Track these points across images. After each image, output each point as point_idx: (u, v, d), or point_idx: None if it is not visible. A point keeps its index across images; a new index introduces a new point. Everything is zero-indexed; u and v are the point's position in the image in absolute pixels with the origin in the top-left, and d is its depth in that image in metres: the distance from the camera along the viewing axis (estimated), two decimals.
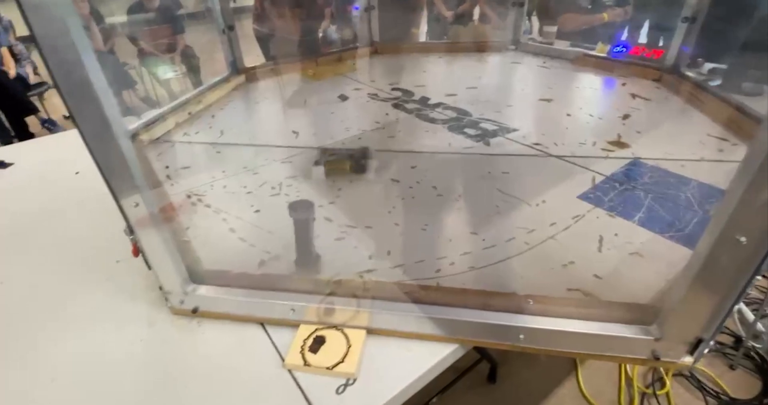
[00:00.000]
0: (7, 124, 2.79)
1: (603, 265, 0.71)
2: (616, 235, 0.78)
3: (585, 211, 0.83)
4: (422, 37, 2.09)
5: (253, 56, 1.91)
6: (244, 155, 1.14)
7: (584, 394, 1.18)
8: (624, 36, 2.00)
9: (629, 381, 1.20)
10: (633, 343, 0.57)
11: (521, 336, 0.58)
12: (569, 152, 1.03)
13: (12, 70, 2.85)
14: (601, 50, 1.62)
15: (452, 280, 0.69)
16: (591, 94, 1.38)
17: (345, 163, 1.01)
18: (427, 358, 0.60)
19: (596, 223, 0.80)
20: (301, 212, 0.71)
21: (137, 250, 0.61)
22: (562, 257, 0.72)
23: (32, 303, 0.73)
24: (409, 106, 1.35)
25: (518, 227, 0.79)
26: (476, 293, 0.64)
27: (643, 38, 1.93)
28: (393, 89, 1.49)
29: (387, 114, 1.31)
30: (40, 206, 0.99)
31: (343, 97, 1.48)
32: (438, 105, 1.34)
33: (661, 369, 1.20)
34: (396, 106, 1.36)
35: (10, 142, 2.76)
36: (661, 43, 1.61)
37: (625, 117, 1.20)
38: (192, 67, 2.59)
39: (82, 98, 0.48)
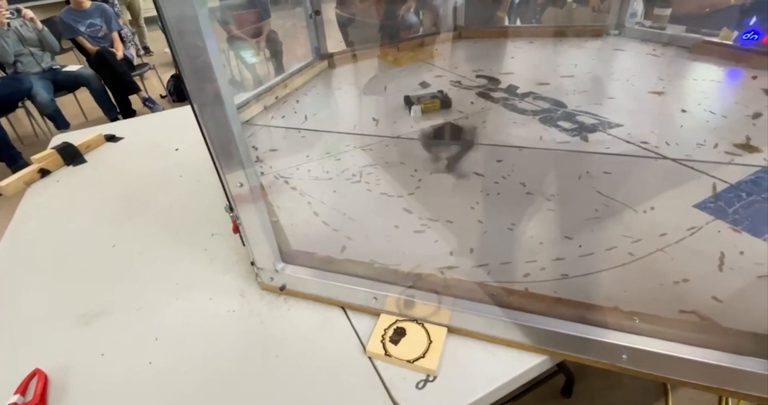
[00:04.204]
0: (114, 101, 3.13)
1: (724, 286, 0.62)
2: (741, 253, 0.67)
3: (703, 222, 0.73)
4: (508, 21, 1.97)
5: (334, 41, 1.92)
6: (326, 140, 1.16)
7: None
8: (752, 21, 1.72)
9: None
10: (761, 380, 0.50)
11: (624, 356, 0.53)
12: (684, 154, 0.91)
13: (120, 52, 3.17)
14: (725, 37, 1.40)
15: (543, 287, 0.64)
16: (712, 88, 1.20)
17: (435, 103, 1.22)
18: (513, 365, 0.57)
19: (717, 238, 0.70)
20: None
21: (237, 227, 0.64)
22: (673, 273, 0.64)
23: (140, 266, 0.81)
24: (496, 95, 1.28)
25: (621, 235, 0.71)
26: (572, 304, 0.59)
27: None
28: (477, 76, 1.42)
29: (471, 103, 1.25)
30: (146, 178, 1.09)
31: (425, 84, 1.44)
32: (528, 94, 1.25)
33: None
34: (481, 94, 1.29)
35: (116, 118, 3.10)
36: None
37: (756, 116, 1.03)
38: (276, 52, 2.69)
39: (202, 80, 0.50)
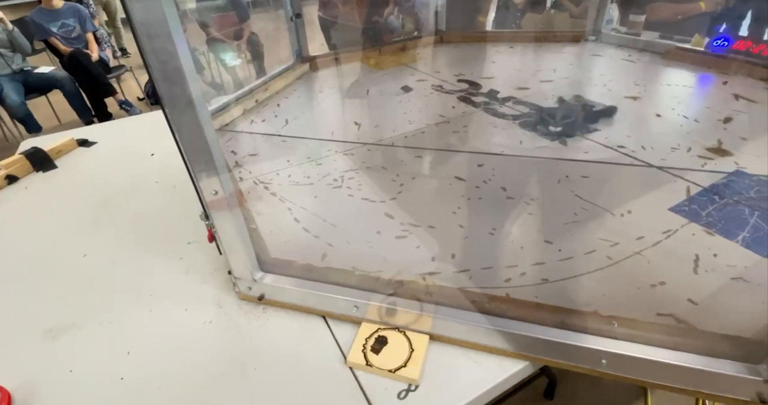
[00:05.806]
0: (88, 104, 3.03)
1: (699, 289, 0.63)
2: (715, 255, 0.69)
3: (678, 225, 0.74)
4: (489, 26, 2.00)
5: (315, 44, 1.91)
6: (307, 145, 1.15)
7: None
8: (723, 28, 1.78)
9: None
10: (735, 382, 0.51)
11: (603, 361, 0.53)
12: (659, 158, 0.93)
13: (95, 54, 3.08)
14: (697, 43, 1.44)
15: (523, 292, 0.64)
16: (685, 93, 1.24)
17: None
18: (495, 372, 0.56)
19: (691, 241, 0.72)
20: None
21: (212, 236, 0.62)
22: (650, 276, 0.65)
23: (112, 276, 0.78)
24: (477, 99, 1.28)
25: (599, 239, 0.72)
26: (552, 309, 0.59)
27: (744, 31, 1.71)
28: (459, 81, 1.43)
29: (453, 107, 1.26)
30: (120, 184, 1.06)
31: (407, 89, 1.44)
32: (508, 99, 1.26)
33: None
34: (462, 99, 1.30)
35: (92, 122, 3.01)
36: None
37: (727, 120, 1.07)
38: (257, 54, 2.66)
39: (173, 85, 0.48)
